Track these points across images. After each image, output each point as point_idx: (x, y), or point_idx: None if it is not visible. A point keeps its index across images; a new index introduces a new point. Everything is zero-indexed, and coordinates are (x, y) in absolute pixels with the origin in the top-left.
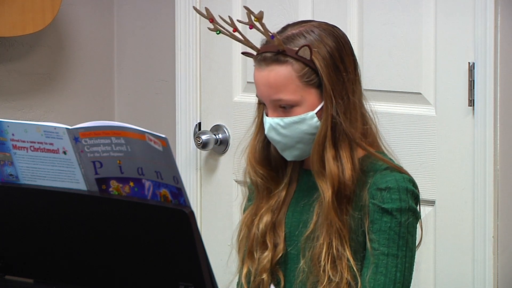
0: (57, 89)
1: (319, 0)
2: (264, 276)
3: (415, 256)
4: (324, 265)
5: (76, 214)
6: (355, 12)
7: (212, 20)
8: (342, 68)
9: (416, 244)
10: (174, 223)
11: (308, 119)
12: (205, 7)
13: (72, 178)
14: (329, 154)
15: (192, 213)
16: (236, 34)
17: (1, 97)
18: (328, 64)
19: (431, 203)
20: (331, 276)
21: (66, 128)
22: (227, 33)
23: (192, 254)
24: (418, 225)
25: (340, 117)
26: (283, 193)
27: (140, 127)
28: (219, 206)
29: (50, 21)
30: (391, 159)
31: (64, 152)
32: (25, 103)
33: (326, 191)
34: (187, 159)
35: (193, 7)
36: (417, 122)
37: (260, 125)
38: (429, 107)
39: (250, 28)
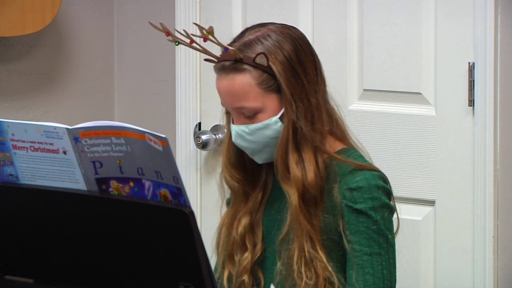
0: (57, 89)
1: (319, 0)
2: (245, 277)
3: (395, 247)
4: (298, 268)
5: (76, 214)
6: (355, 12)
7: (168, 33)
8: (301, 71)
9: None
10: (174, 223)
11: (272, 124)
12: (160, 22)
13: (72, 178)
14: (291, 159)
15: (192, 213)
16: (195, 44)
17: (1, 97)
18: (286, 69)
19: (431, 203)
20: (306, 279)
21: (66, 128)
22: (186, 43)
23: (192, 254)
24: (394, 217)
25: (300, 120)
26: (260, 194)
27: (140, 127)
28: (219, 206)
29: (50, 21)
30: (361, 156)
31: (64, 152)
32: (25, 103)
33: (292, 195)
34: (187, 159)
35: (149, 22)
36: (417, 122)
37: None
38: (429, 107)
39: (205, 41)
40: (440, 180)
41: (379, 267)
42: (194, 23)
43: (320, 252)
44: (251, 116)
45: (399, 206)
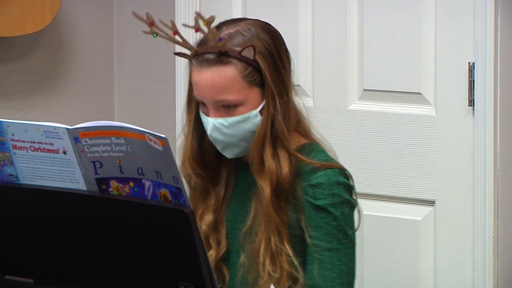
0: (57, 89)
1: (319, 0)
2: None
3: (356, 243)
4: (264, 261)
5: (76, 214)
6: (355, 12)
7: (152, 24)
8: (281, 66)
9: (355, 229)
10: (174, 223)
11: (252, 117)
12: (146, 12)
13: (72, 178)
14: (268, 152)
15: (192, 213)
16: (176, 37)
17: (1, 97)
18: (269, 63)
19: (431, 203)
20: (270, 271)
21: (66, 128)
22: (165, 36)
23: (192, 254)
24: (356, 212)
25: (279, 115)
26: (222, 192)
27: (140, 127)
28: None
29: (50, 21)
30: (323, 150)
31: (64, 152)
32: (25, 103)
33: (265, 188)
34: None
35: (133, 12)
36: (417, 122)
37: (195, 124)
38: (429, 107)
39: (196, 32)
40: (440, 180)
41: (338, 262)
42: (196, 12)
43: (287, 246)
44: (230, 109)
45: (399, 206)
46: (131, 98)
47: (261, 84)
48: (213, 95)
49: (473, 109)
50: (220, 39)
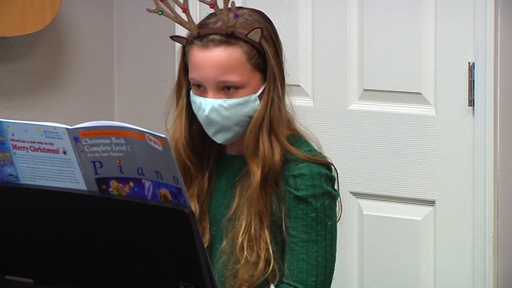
0: (57, 89)
1: (319, 0)
2: None
3: (337, 235)
4: (241, 243)
5: (76, 214)
6: (355, 12)
7: (163, 0)
8: (280, 52)
9: (336, 220)
10: (174, 223)
11: (252, 101)
12: None
13: (72, 178)
14: (264, 136)
15: (192, 213)
16: (182, 15)
17: (1, 97)
18: (272, 48)
19: (431, 203)
20: (247, 255)
21: (66, 128)
22: (170, 14)
23: (192, 254)
24: (337, 203)
25: (277, 101)
26: (206, 183)
27: (140, 127)
28: None
29: (50, 21)
30: (306, 141)
31: (64, 152)
32: (25, 103)
33: (256, 171)
34: None
35: None
36: (417, 122)
37: (187, 110)
38: (429, 107)
39: (211, 7)
40: (440, 180)
41: (314, 254)
42: None
43: (266, 232)
44: (230, 91)
45: (399, 206)
46: (131, 98)
47: (262, 69)
48: (218, 75)
49: (473, 109)
50: (236, 15)
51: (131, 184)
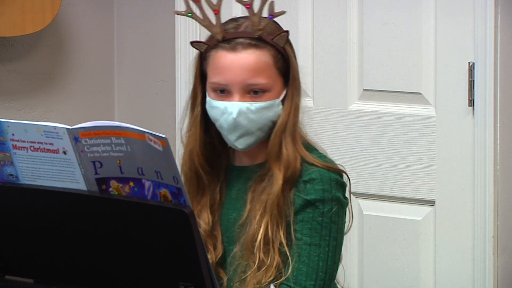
0: (57, 89)
1: (319, 0)
2: None
3: (342, 243)
4: (257, 246)
5: (76, 214)
6: (355, 12)
7: (198, 0)
8: (296, 58)
9: (345, 230)
10: (174, 223)
11: (276, 105)
12: None
13: (72, 178)
14: (288, 140)
15: (192, 213)
16: (212, 18)
17: (1, 97)
18: (293, 53)
19: (431, 203)
20: (263, 258)
21: (66, 128)
22: (198, 17)
23: (192, 254)
24: (347, 212)
25: (298, 106)
26: (218, 195)
27: (140, 127)
28: None
29: (50, 21)
30: (315, 149)
31: (64, 152)
32: (25, 103)
33: (278, 174)
34: None
35: None
36: (417, 122)
37: (201, 119)
38: (429, 107)
39: (247, 8)
40: (440, 180)
41: (316, 258)
42: None
43: (281, 234)
44: (257, 94)
45: (399, 206)
46: (131, 98)
47: (284, 74)
48: (246, 77)
49: (473, 109)
50: (271, 16)
51: (131, 184)
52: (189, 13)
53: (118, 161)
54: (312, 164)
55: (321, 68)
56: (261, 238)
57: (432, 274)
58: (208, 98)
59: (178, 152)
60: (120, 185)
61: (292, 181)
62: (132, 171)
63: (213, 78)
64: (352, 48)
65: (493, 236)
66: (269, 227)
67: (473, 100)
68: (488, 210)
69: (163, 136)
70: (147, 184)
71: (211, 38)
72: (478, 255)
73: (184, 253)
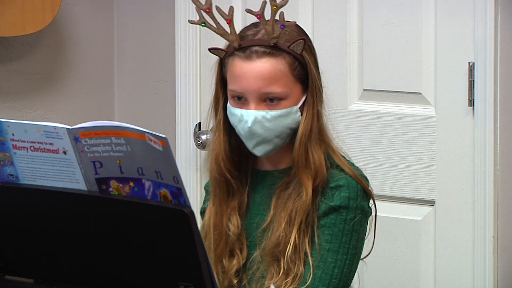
0: (57, 89)
1: (319, 0)
2: (235, 281)
3: (361, 252)
4: (284, 253)
5: (76, 214)
6: (355, 12)
7: (208, 10)
8: (317, 63)
9: (365, 237)
10: (174, 223)
11: (293, 113)
12: None
13: (72, 178)
14: (315, 147)
15: (192, 213)
16: (225, 26)
17: (1, 97)
18: (312, 59)
19: (431, 203)
20: (290, 266)
21: (66, 128)
22: (212, 26)
23: (192, 254)
24: (370, 221)
25: (322, 112)
26: (246, 198)
27: (140, 127)
28: None
29: (50, 21)
30: (340, 157)
31: (64, 152)
32: (25, 103)
33: (307, 182)
34: (187, 159)
35: None
36: (417, 122)
37: (224, 123)
38: (429, 107)
39: (258, 18)
40: (440, 180)
41: (332, 264)
42: None
43: (307, 245)
44: (273, 102)
45: (399, 206)
46: (131, 98)
47: (302, 81)
48: (262, 86)
49: (473, 109)
50: (283, 26)
51: (131, 184)
52: (202, 23)
53: (118, 161)
54: (342, 170)
55: (321, 68)
56: (291, 248)
57: (432, 274)
58: (228, 104)
59: (178, 152)
60: (120, 185)
61: (320, 189)
62: (132, 171)
63: (231, 85)
64: (352, 48)
65: (493, 236)
66: (297, 236)
67: (473, 100)
68: (488, 210)
69: (163, 136)
70: (147, 184)
71: (228, 45)
72: (478, 255)
73: (184, 253)
